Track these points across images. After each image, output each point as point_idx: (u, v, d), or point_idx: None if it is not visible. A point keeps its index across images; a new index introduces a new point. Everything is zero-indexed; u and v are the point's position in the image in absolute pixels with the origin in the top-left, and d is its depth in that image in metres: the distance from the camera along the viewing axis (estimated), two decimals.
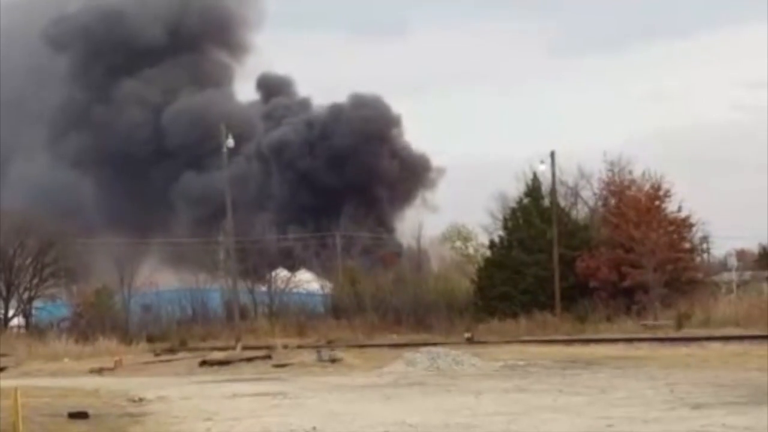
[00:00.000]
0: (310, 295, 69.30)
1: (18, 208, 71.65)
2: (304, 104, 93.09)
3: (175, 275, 74.42)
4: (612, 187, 58.58)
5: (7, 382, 34.65)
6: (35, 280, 70.01)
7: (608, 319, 51.77)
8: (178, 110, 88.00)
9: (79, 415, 22.81)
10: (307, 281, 71.37)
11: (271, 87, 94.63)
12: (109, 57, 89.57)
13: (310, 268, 74.15)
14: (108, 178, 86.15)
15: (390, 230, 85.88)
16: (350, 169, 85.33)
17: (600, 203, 60.50)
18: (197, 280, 70.15)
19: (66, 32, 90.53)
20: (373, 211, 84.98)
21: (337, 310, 63.81)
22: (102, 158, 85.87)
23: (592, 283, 54.19)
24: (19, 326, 70.18)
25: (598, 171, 59.40)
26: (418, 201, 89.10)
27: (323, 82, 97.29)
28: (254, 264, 67.84)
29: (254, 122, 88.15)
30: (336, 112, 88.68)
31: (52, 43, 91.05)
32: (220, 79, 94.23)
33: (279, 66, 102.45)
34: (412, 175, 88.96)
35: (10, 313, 70.02)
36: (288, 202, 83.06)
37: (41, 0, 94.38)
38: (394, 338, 53.16)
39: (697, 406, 21.23)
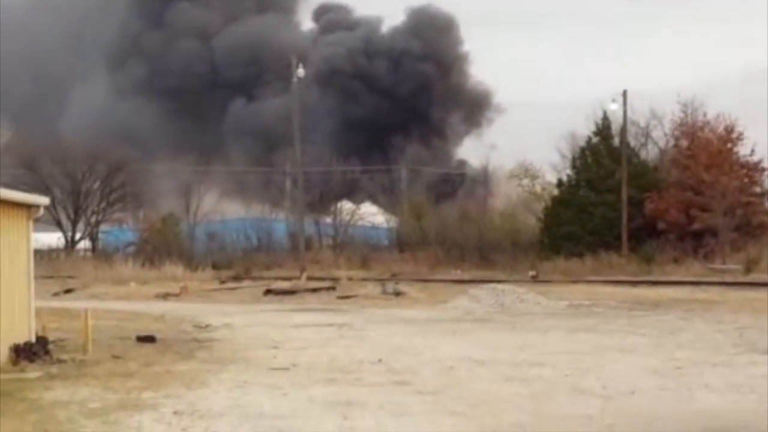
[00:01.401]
0: (375, 228, 69.34)
1: (81, 134, 72.20)
2: (366, 25, 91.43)
3: (240, 204, 74.82)
4: (684, 128, 57.66)
5: (75, 303, 35.16)
6: (102, 205, 70.80)
7: (675, 261, 51.22)
8: (235, 37, 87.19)
9: (147, 339, 23.00)
10: (372, 214, 71.39)
11: (330, 15, 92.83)
12: None
13: (374, 202, 74.10)
14: (166, 107, 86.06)
15: (457, 165, 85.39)
16: (410, 98, 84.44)
17: (671, 144, 59.66)
18: (263, 210, 70.43)
19: None
20: (436, 145, 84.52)
21: (401, 243, 63.81)
22: (159, 87, 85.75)
23: (660, 225, 53.59)
24: (85, 249, 71.11)
25: (670, 112, 58.60)
26: (479, 138, 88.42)
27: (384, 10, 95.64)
28: (320, 195, 67.93)
29: (310, 51, 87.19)
30: (397, 34, 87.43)
31: None
32: (279, 7, 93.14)
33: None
34: (475, 109, 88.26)
35: (78, 236, 70.89)
36: (342, 133, 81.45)
37: None
38: (458, 274, 53.05)
39: (767, 351, 20.87)
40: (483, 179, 75.40)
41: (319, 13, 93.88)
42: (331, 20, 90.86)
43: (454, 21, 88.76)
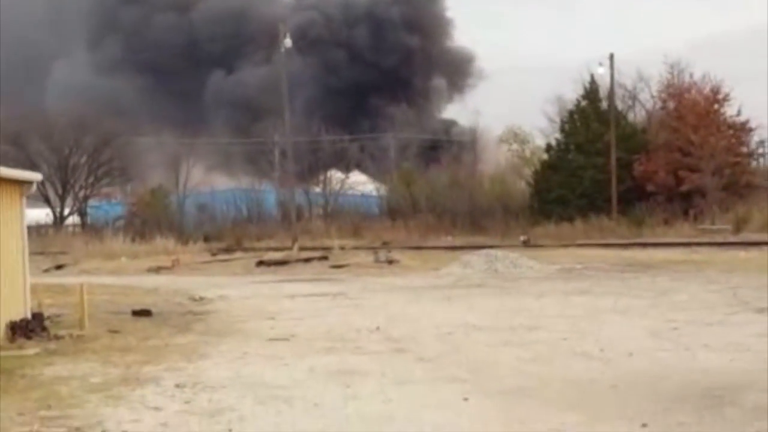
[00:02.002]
0: (365, 196, 69.34)
1: (65, 110, 71.83)
2: None
3: (227, 177, 74.73)
4: (671, 90, 57.75)
5: (67, 279, 35.13)
6: (90, 179, 70.56)
7: (665, 223, 51.39)
8: (213, 8, 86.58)
9: (143, 313, 22.99)
10: (362, 183, 71.35)
11: None
12: None
13: (363, 170, 74.03)
14: (147, 82, 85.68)
15: (446, 125, 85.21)
16: (392, 66, 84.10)
17: (658, 106, 59.71)
18: (252, 181, 70.35)
19: None
20: (421, 110, 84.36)
21: (391, 211, 63.83)
22: (138, 62, 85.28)
23: (650, 187, 53.74)
24: (74, 225, 70.93)
25: (657, 74, 58.66)
26: (464, 103, 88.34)
27: None
28: (308, 165, 67.83)
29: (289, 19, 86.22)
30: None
31: None
32: None
33: None
34: (459, 74, 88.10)
35: (66, 211, 70.71)
36: (324, 100, 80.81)
37: None
38: (450, 240, 53.14)
39: (760, 310, 20.96)
40: (471, 145, 75.31)
41: None
42: None
43: None
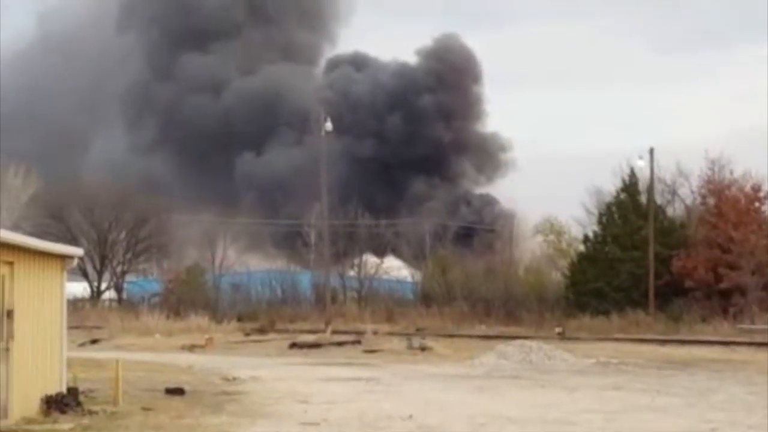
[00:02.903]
0: (399, 281, 69.29)
1: (103, 185, 72.48)
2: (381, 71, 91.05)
3: (261, 257, 74.99)
4: (711, 186, 57.54)
5: (101, 354, 35.18)
6: (128, 255, 70.94)
7: (703, 320, 50.89)
8: (246, 89, 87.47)
9: (176, 391, 22.94)
10: (397, 268, 71.35)
11: (344, 67, 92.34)
12: (175, 36, 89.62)
13: (398, 255, 74.04)
14: (181, 161, 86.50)
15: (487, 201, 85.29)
16: (427, 149, 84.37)
17: (698, 202, 59.50)
18: (288, 263, 70.55)
19: (136, 13, 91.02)
20: (455, 194, 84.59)
21: (426, 298, 63.65)
22: (172, 140, 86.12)
23: (688, 283, 53.33)
24: (111, 300, 71.20)
25: (697, 168, 58.51)
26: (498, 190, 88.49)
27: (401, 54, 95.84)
28: (344, 248, 67.96)
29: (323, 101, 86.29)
30: (415, 85, 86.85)
31: (122, 23, 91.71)
32: (296, 57, 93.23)
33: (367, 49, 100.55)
34: (494, 161, 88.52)
35: (103, 286, 71.03)
36: (356, 181, 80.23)
37: None
38: (483, 329, 52.89)
39: None
40: (507, 234, 75.20)
41: (333, 64, 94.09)
42: (344, 74, 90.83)
43: (477, 72, 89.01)
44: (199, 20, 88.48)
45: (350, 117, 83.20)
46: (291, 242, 73.39)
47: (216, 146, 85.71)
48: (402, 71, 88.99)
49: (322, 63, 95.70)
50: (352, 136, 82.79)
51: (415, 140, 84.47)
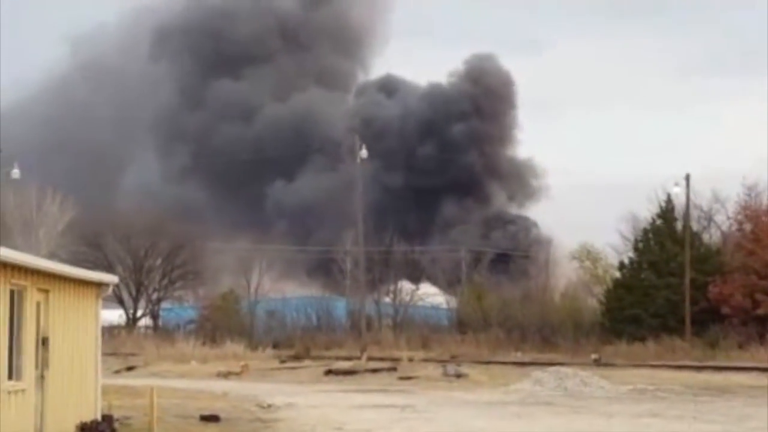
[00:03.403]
0: (435, 308, 69.13)
1: (137, 213, 72.77)
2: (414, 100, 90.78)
3: (295, 283, 75.05)
4: (748, 212, 57.19)
5: (137, 381, 35.31)
6: (164, 282, 71.17)
7: (740, 346, 50.44)
8: (278, 116, 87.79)
9: (211, 418, 22.99)
10: (432, 295, 71.22)
11: (373, 93, 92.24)
12: (208, 62, 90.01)
13: (434, 282, 73.88)
14: (214, 187, 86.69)
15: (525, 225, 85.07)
16: (460, 176, 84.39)
17: (734, 228, 59.14)
18: (323, 289, 70.58)
19: (169, 39, 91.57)
20: (496, 219, 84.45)
21: (461, 325, 63.43)
22: (204, 168, 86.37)
23: (725, 309, 52.90)
24: (146, 327, 71.41)
25: (734, 195, 58.20)
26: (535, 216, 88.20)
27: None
28: (379, 275, 67.92)
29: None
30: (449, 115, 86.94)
31: (154, 50, 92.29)
32: (329, 84, 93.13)
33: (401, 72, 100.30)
34: (525, 186, 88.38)
35: (139, 313, 71.28)
36: (387, 209, 79.25)
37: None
38: (519, 356, 52.64)
39: None
40: (543, 261, 74.96)
41: (362, 90, 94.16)
42: (374, 101, 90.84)
43: (513, 97, 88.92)
44: (231, 47, 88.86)
45: (380, 143, 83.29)
46: (325, 269, 73.40)
47: (248, 173, 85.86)
48: (434, 95, 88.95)
49: (354, 89, 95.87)
50: (383, 162, 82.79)
51: (447, 166, 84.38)
